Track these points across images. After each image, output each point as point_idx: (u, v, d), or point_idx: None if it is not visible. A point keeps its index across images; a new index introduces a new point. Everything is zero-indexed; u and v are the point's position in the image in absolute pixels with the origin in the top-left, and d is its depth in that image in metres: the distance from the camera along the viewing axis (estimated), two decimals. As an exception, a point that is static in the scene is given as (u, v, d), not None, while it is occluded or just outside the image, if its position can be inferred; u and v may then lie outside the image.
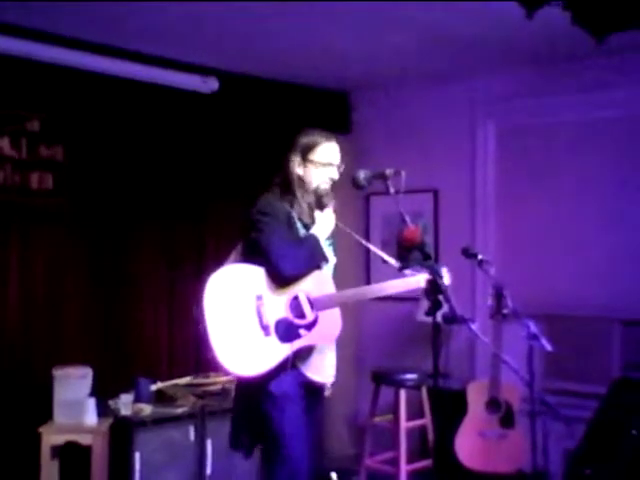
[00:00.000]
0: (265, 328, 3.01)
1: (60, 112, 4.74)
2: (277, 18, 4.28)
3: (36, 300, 4.66)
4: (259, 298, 3.03)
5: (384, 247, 5.74)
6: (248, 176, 5.46)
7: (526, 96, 5.28)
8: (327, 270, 3.21)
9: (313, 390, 3.19)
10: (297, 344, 3.03)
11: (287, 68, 5.37)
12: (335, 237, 3.29)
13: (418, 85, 5.73)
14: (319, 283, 3.11)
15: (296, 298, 3.07)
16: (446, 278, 3.08)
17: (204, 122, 5.36)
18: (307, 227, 3.18)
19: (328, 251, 3.20)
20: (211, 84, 5.19)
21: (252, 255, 3.11)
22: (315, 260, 3.12)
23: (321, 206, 3.22)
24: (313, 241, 3.11)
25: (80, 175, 4.83)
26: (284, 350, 3.01)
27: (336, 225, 3.24)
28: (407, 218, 2.94)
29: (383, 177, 3.06)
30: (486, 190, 5.54)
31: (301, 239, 3.12)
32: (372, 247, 3.54)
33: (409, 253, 2.94)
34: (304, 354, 3.09)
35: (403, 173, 2.99)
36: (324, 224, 3.19)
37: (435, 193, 5.74)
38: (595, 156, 5.08)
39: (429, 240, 5.58)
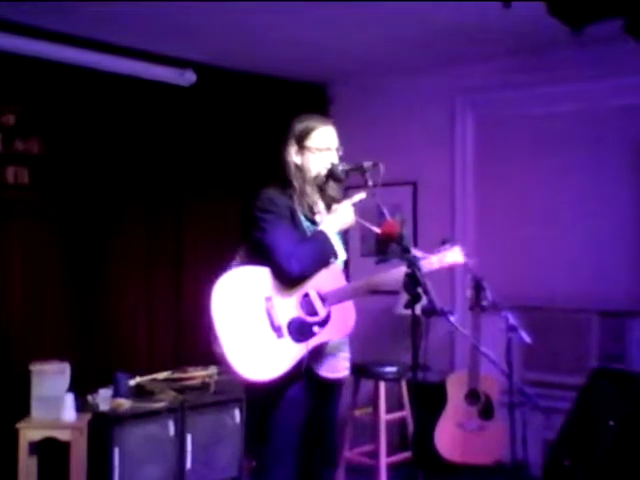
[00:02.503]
0: (277, 330, 2.89)
1: (36, 105, 4.69)
2: (254, 11, 4.26)
3: (13, 295, 4.61)
4: (268, 300, 2.91)
5: (363, 241, 5.76)
6: (226, 168, 5.47)
7: (505, 87, 5.28)
8: (337, 264, 3.05)
9: (326, 387, 3.09)
10: (312, 342, 2.93)
11: (265, 60, 5.35)
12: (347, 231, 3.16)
13: (396, 77, 5.72)
14: (329, 278, 2.99)
15: (306, 295, 2.97)
16: (460, 257, 3.02)
17: (182, 115, 5.33)
18: (312, 221, 3.06)
19: (338, 246, 3.04)
20: (189, 77, 5.17)
21: (257, 256, 2.98)
22: (324, 257, 2.97)
23: (329, 197, 3.10)
24: (321, 237, 2.97)
25: (56, 169, 4.78)
26: (299, 350, 2.90)
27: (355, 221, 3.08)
28: (385, 211, 2.91)
29: (361, 170, 3.01)
30: (465, 182, 5.56)
31: (308, 236, 2.99)
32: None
33: (388, 246, 2.92)
34: (317, 354, 2.98)
35: (382, 166, 2.95)
36: (337, 218, 3.03)
37: (414, 185, 5.74)
38: (574, 147, 5.10)
39: (408, 233, 5.58)
